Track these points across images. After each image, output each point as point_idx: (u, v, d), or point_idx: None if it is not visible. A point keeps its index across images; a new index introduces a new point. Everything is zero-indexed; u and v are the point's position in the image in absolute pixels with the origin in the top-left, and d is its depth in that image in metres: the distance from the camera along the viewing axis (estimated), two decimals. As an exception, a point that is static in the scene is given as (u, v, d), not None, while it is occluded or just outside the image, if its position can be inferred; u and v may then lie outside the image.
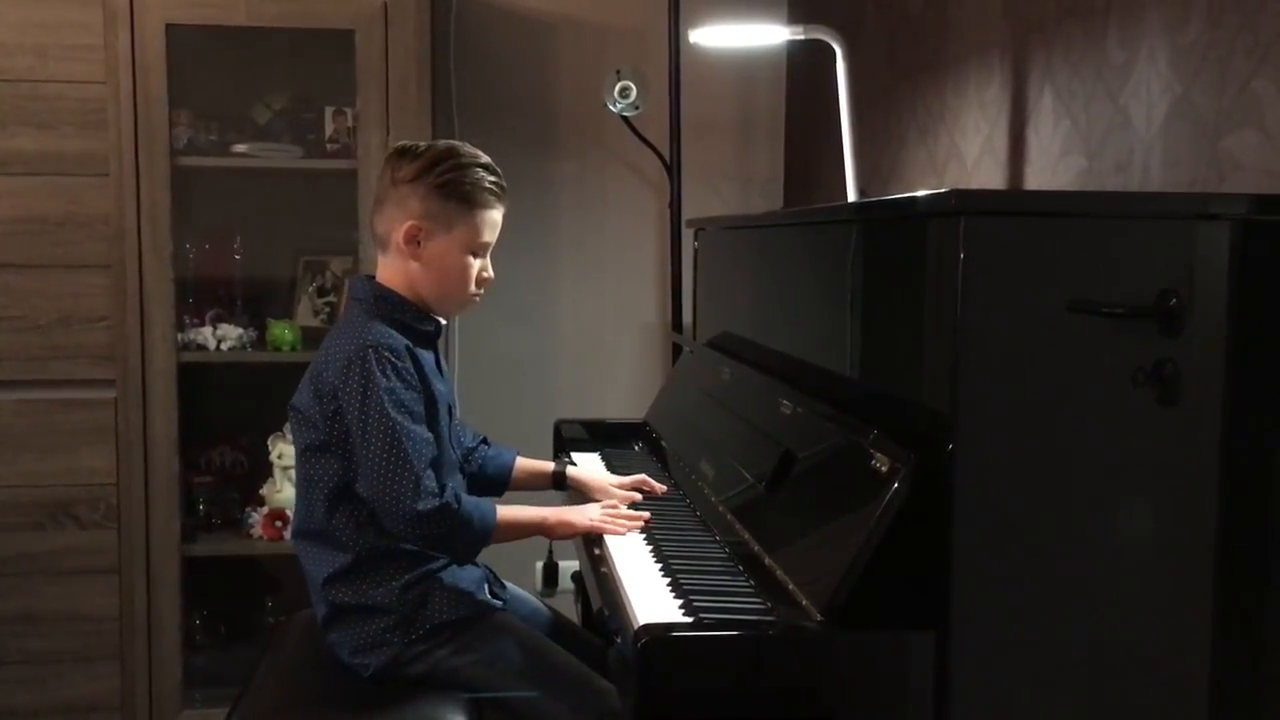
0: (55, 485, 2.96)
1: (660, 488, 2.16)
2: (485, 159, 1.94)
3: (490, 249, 1.98)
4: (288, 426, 2.95)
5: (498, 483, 2.21)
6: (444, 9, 3.23)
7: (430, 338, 1.97)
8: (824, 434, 1.68)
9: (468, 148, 1.95)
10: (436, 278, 1.93)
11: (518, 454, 2.26)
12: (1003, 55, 2.17)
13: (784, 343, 2.10)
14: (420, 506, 1.78)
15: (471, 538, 1.85)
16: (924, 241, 1.46)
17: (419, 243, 1.90)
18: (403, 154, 1.92)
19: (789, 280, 2.10)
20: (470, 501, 1.86)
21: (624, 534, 1.91)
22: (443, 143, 1.96)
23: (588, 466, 2.44)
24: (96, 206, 2.89)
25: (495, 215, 1.95)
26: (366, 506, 1.86)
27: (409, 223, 1.89)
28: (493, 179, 1.93)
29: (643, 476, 2.18)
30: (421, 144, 1.95)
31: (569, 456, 2.54)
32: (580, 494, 2.19)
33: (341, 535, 1.89)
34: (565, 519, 1.95)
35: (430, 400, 1.90)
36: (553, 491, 2.27)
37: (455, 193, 1.89)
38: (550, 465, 2.27)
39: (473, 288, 1.96)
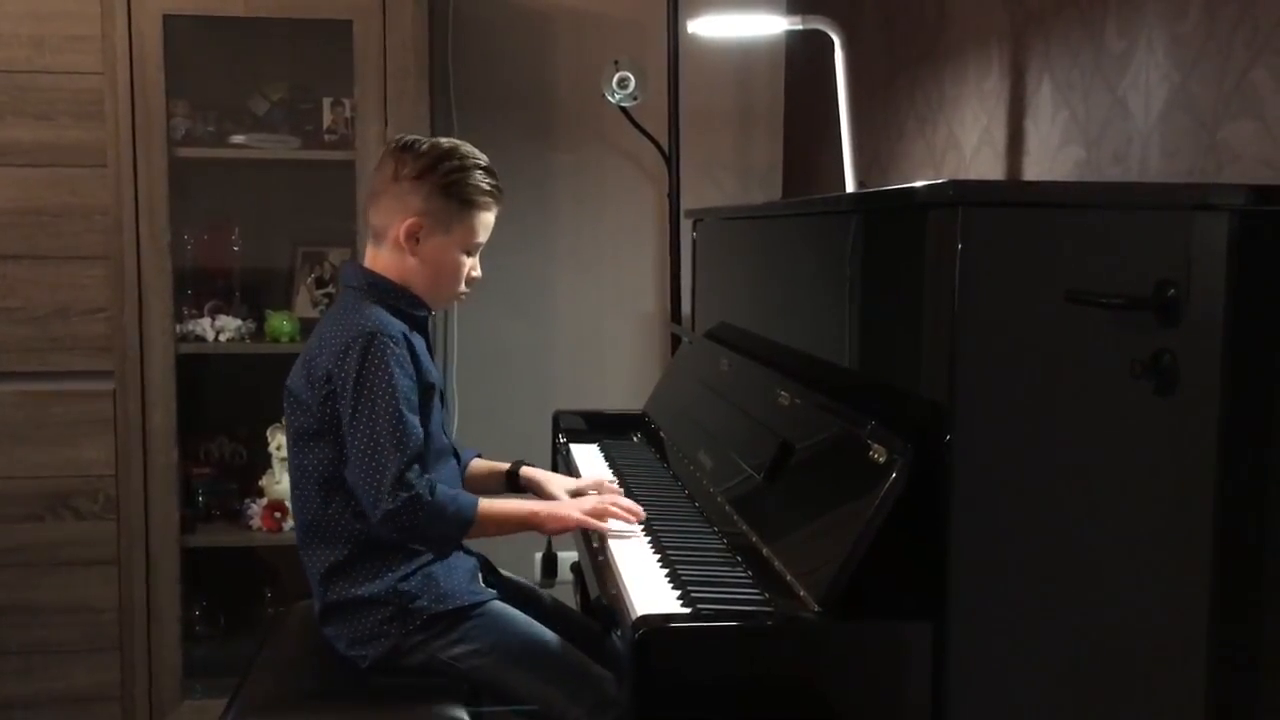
0: (54, 476, 2.96)
1: (617, 492, 2.07)
2: (485, 161, 1.97)
3: (481, 248, 2.01)
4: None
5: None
6: (442, -1, 3.22)
7: (422, 323, 2.00)
8: (822, 425, 1.68)
9: (468, 147, 1.97)
10: (431, 273, 1.96)
11: (476, 455, 2.25)
12: (1001, 45, 2.17)
13: (782, 334, 2.10)
14: (392, 502, 1.77)
15: (445, 529, 1.84)
16: (922, 232, 1.46)
17: (418, 239, 1.93)
18: (405, 149, 1.94)
19: (788, 271, 2.10)
20: (447, 494, 1.85)
21: (609, 529, 1.85)
22: (445, 141, 1.97)
23: (584, 458, 2.45)
24: (94, 197, 2.89)
25: (490, 217, 1.99)
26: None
27: (410, 219, 1.92)
28: (492, 181, 1.96)
29: (600, 480, 2.15)
30: (423, 141, 1.96)
31: (567, 448, 2.55)
32: (538, 494, 2.15)
33: (338, 526, 1.89)
34: (556, 512, 1.93)
35: (424, 387, 1.91)
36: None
37: (457, 193, 1.93)
38: (505, 466, 2.24)
39: (463, 285, 2.00)
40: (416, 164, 1.92)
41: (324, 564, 1.90)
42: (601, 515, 1.89)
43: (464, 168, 1.93)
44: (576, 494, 2.08)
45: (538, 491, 2.16)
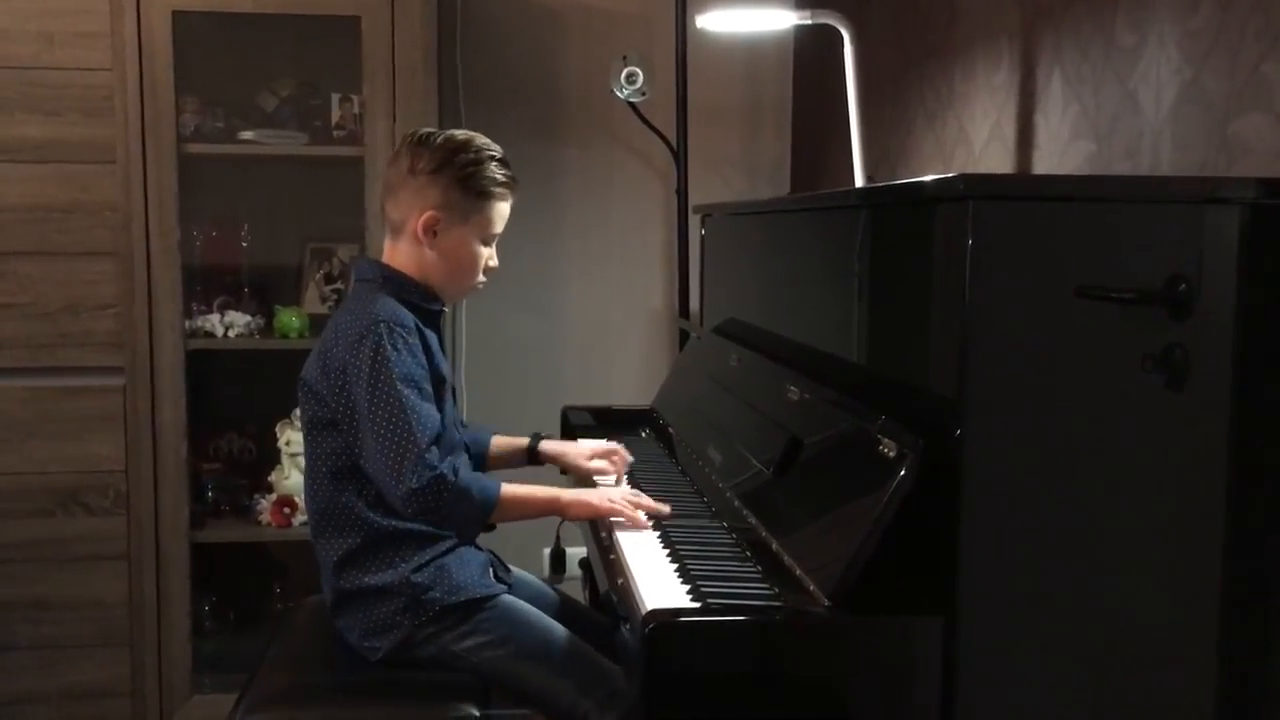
0: (64, 472, 2.97)
1: (628, 458, 2.21)
2: (499, 151, 1.99)
3: (497, 238, 2.02)
4: (296, 413, 2.96)
5: (476, 463, 2.21)
6: (450, -5, 3.22)
7: (435, 318, 2.01)
8: (831, 420, 1.68)
9: (482, 139, 1.99)
10: (450, 265, 1.98)
11: (494, 432, 2.28)
12: (1011, 39, 2.16)
13: (791, 329, 2.10)
14: (416, 480, 1.79)
15: (470, 511, 1.86)
16: (932, 227, 1.45)
17: (436, 233, 1.95)
18: (420, 143, 1.96)
19: (796, 266, 2.10)
20: (470, 476, 1.87)
21: (642, 523, 1.88)
22: (459, 133, 1.99)
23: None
24: (103, 194, 2.89)
25: (506, 207, 2.01)
26: (374, 485, 1.87)
27: (429, 212, 1.94)
28: (506, 172, 1.99)
29: (613, 445, 2.23)
30: (438, 134, 1.98)
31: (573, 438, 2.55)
32: (559, 467, 2.26)
33: (351, 514, 1.91)
34: (583, 499, 1.96)
35: (437, 380, 1.92)
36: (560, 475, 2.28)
37: (474, 185, 1.95)
38: (525, 440, 2.28)
39: (480, 275, 2.02)
40: (433, 158, 1.94)
41: (336, 553, 1.91)
42: (627, 507, 1.91)
43: (479, 160, 1.95)
44: (593, 456, 2.22)
45: (559, 463, 2.25)
